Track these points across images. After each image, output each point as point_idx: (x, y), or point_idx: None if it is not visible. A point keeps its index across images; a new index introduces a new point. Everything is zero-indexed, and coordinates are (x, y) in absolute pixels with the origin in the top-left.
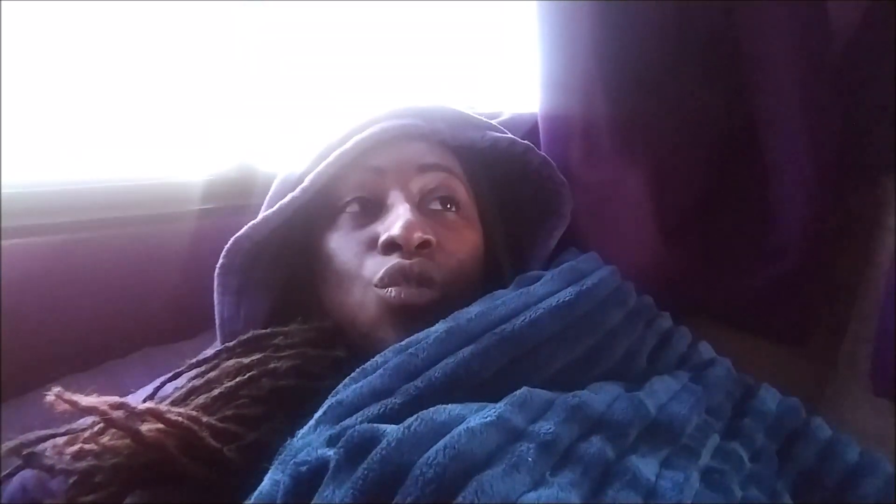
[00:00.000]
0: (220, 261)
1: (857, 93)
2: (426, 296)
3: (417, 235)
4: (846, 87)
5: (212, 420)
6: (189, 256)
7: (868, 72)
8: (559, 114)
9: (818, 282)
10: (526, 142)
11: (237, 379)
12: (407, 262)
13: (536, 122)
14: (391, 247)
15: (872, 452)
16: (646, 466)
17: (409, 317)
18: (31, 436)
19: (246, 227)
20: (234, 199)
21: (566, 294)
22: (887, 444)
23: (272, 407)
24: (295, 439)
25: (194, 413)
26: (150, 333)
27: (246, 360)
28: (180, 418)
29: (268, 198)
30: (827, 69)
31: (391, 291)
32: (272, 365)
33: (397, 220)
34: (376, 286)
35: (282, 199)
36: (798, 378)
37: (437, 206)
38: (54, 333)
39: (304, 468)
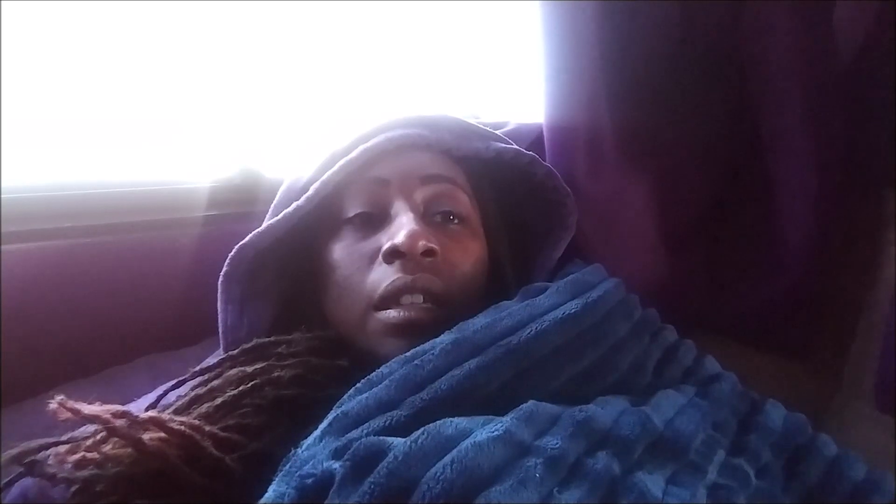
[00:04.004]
0: (224, 269)
1: (860, 106)
2: (426, 313)
3: (422, 244)
4: (849, 101)
5: (214, 429)
6: (192, 263)
7: (871, 86)
8: (564, 125)
9: (822, 296)
10: (531, 153)
11: (240, 388)
12: (409, 277)
13: (541, 133)
14: (394, 255)
15: (878, 471)
16: (652, 483)
17: (409, 334)
18: (33, 443)
19: (250, 236)
20: (238, 205)
21: (572, 306)
22: (891, 461)
23: (275, 416)
24: (300, 450)
25: (196, 422)
26: (153, 340)
27: (249, 369)
28: (182, 427)
29: (272, 206)
30: (831, 83)
31: (391, 314)
32: (275, 374)
33: (401, 229)
34: (376, 308)
35: (286, 207)
36: (802, 393)
37: (440, 216)
38: (56, 339)
39: (309, 481)
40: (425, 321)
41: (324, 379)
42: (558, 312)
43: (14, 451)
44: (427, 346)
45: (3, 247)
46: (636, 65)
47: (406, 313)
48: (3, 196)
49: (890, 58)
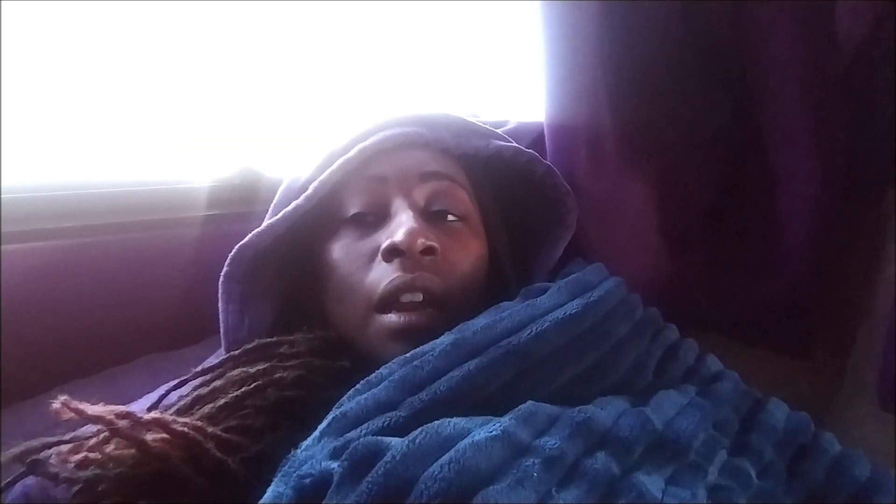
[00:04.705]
0: (224, 269)
1: (860, 106)
2: (427, 317)
3: (421, 241)
4: (850, 101)
5: (217, 430)
6: (192, 263)
7: (871, 85)
8: (564, 123)
9: (824, 294)
10: (530, 151)
11: (242, 389)
12: (408, 276)
13: (542, 131)
14: (393, 253)
15: (882, 469)
16: (652, 483)
17: (410, 339)
18: (36, 443)
19: (250, 235)
20: (238, 205)
21: (572, 307)
22: (894, 459)
23: (277, 418)
24: (299, 451)
25: (199, 423)
26: (153, 340)
27: (251, 370)
28: (185, 429)
29: (272, 206)
30: (832, 81)
31: (392, 318)
32: (277, 375)
33: (400, 227)
34: (377, 310)
35: (286, 206)
36: (803, 391)
37: (440, 214)
38: (56, 339)
39: (307, 481)
40: (425, 326)
41: (325, 380)
42: (559, 313)
43: (16, 451)
44: (427, 347)
45: (3, 247)
46: (637, 64)
47: (407, 318)
48: (3, 196)
49: (890, 58)
